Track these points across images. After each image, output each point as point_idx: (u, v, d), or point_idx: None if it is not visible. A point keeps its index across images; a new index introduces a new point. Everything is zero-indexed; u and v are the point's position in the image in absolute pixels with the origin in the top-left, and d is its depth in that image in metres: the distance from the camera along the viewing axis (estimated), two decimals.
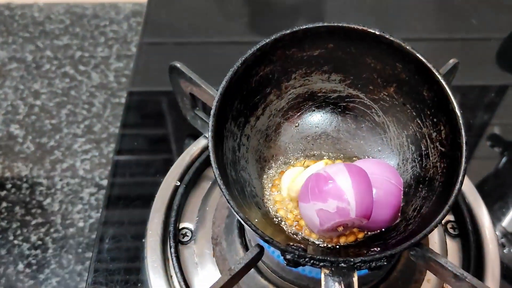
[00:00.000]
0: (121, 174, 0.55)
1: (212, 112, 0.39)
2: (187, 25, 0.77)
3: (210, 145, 0.38)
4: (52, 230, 0.63)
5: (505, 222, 0.58)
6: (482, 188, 0.59)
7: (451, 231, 0.49)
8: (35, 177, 0.67)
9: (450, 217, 0.50)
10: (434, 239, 0.48)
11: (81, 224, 0.64)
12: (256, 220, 0.39)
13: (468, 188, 0.51)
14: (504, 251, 0.54)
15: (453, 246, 0.48)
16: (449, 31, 0.79)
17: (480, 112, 0.70)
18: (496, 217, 0.57)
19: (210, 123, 0.38)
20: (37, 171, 0.68)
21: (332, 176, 0.38)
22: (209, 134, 0.38)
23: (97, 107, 0.75)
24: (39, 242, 0.62)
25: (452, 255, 0.48)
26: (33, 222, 0.63)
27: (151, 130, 0.64)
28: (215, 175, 0.37)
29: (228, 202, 0.36)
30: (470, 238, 0.47)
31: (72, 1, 0.89)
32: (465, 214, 0.49)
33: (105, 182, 0.67)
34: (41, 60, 0.81)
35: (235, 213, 0.36)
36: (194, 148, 0.52)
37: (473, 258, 0.47)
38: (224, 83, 0.40)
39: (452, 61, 0.51)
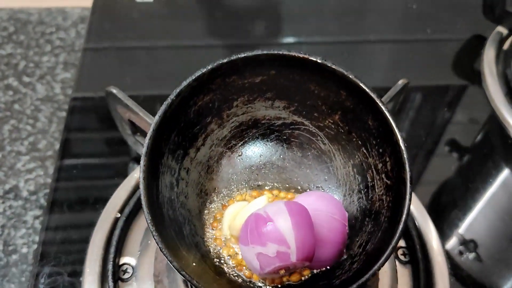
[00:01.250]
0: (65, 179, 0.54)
1: (143, 150, 0.36)
2: (135, 31, 0.74)
3: (141, 187, 0.35)
4: None
5: (462, 229, 0.57)
6: (438, 194, 0.59)
7: (401, 257, 0.48)
8: None
9: (401, 243, 0.49)
10: (385, 267, 0.46)
11: (24, 250, 0.61)
12: (194, 264, 0.37)
13: (418, 210, 0.51)
14: (462, 258, 0.54)
15: (404, 273, 0.47)
16: (407, 34, 0.78)
17: (438, 116, 0.69)
18: (453, 224, 0.57)
19: (142, 162, 0.36)
20: None
21: (271, 217, 0.36)
22: (140, 175, 0.36)
23: (42, 122, 0.71)
24: None
25: (403, 282, 0.47)
26: None
27: (95, 134, 0.62)
28: (146, 221, 0.35)
29: (162, 251, 0.34)
30: (420, 265, 0.46)
31: (16, 6, 0.85)
32: (415, 240, 0.48)
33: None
34: None
35: (169, 262, 0.34)
36: (135, 176, 0.49)
37: (423, 286, 0.46)
38: (157, 118, 0.37)
39: (401, 82, 0.49)
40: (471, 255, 0.55)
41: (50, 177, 0.66)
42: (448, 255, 0.51)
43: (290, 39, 0.79)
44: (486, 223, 0.59)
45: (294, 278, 0.39)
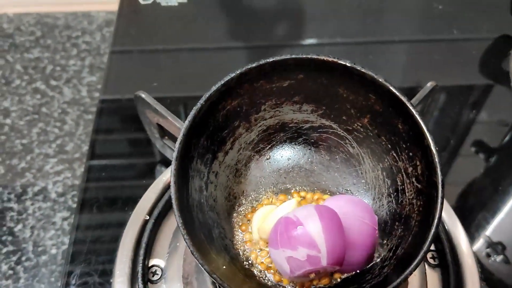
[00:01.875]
0: (94, 180, 0.55)
1: (174, 155, 0.37)
2: (160, 34, 0.75)
3: (172, 191, 0.36)
4: (23, 258, 0.61)
5: (489, 231, 0.56)
6: (465, 196, 0.59)
7: (431, 261, 0.47)
8: (5, 202, 0.65)
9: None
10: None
11: (53, 251, 0.62)
12: (224, 267, 0.37)
13: (447, 213, 0.50)
14: (489, 261, 0.53)
15: (433, 276, 0.47)
16: (432, 34, 0.77)
17: (464, 116, 0.68)
18: (480, 226, 0.56)
19: (173, 166, 0.36)
20: (8, 195, 0.66)
21: (302, 221, 0.36)
22: (171, 179, 0.36)
23: (69, 125, 0.72)
24: (10, 272, 0.60)
25: (432, 286, 0.46)
26: (4, 250, 0.61)
27: (125, 135, 0.63)
28: (178, 224, 0.35)
29: (193, 254, 0.34)
30: (450, 269, 0.46)
31: (43, 11, 0.86)
32: (444, 244, 0.47)
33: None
34: (11, 75, 0.78)
35: (200, 266, 0.34)
36: (163, 178, 0.50)
37: None
38: (187, 123, 0.38)
39: (430, 85, 0.49)
40: (499, 258, 0.54)
41: (78, 179, 0.67)
42: (475, 256, 0.51)
43: (311, 40, 0.78)
44: None
45: (324, 281, 0.39)
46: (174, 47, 0.74)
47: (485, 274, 0.50)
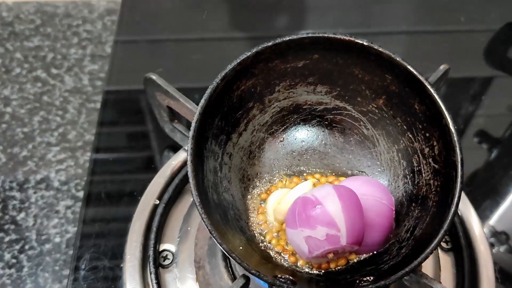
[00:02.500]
0: (100, 173, 0.54)
1: (190, 134, 0.36)
2: (164, 23, 0.74)
3: (189, 170, 0.35)
4: (27, 247, 0.60)
5: (493, 221, 0.56)
6: (469, 187, 0.58)
7: (443, 245, 0.47)
8: (7, 190, 0.64)
9: None
10: None
11: (57, 239, 0.61)
12: (241, 248, 0.36)
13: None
14: (494, 250, 0.53)
15: (446, 261, 0.47)
16: (436, 25, 0.77)
17: (467, 107, 0.68)
18: (484, 216, 0.56)
19: (189, 146, 0.36)
20: (9, 183, 0.65)
21: (320, 201, 0.35)
22: (188, 158, 0.35)
23: (71, 113, 0.71)
24: (14, 261, 0.59)
25: (446, 270, 0.46)
26: (7, 239, 0.60)
27: (129, 127, 0.62)
28: (195, 204, 0.34)
29: (211, 233, 0.34)
30: (463, 252, 0.46)
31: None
32: (457, 227, 0.47)
33: (81, 194, 0.64)
34: (10, 63, 0.77)
35: (218, 245, 0.34)
36: (173, 163, 0.49)
37: (468, 273, 0.45)
38: (203, 101, 0.37)
39: (442, 67, 0.48)
40: (503, 247, 0.54)
41: (81, 168, 0.67)
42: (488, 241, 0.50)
43: (313, 31, 0.78)
44: None
45: (341, 262, 0.38)
46: (178, 37, 0.74)
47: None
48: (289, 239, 0.37)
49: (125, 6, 0.73)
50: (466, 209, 0.49)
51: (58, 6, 0.85)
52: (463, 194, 0.51)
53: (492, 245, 0.54)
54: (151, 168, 0.55)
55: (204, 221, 0.34)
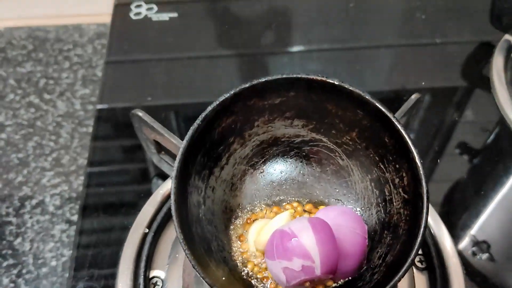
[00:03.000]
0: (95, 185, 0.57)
1: (173, 174, 0.38)
2: (153, 46, 0.77)
3: (172, 208, 0.38)
4: (24, 271, 0.62)
5: (473, 230, 0.59)
6: (450, 197, 0.61)
7: (418, 264, 0.50)
8: (4, 216, 0.66)
9: None
10: None
11: (53, 263, 0.63)
12: (224, 278, 0.39)
13: (432, 218, 0.52)
14: (475, 259, 0.55)
15: (421, 279, 0.49)
16: (416, 41, 0.80)
17: (448, 118, 0.71)
18: (465, 226, 0.59)
19: (172, 185, 0.38)
20: (6, 209, 0.67)
21: (296, 234, 0.38)
22: (171, 197, 0.38)
23: (64, 138, 0.74)
24: (12, 285, 0.61)
25: None
26: (4, 264, 0.62)
27: (122, 142, 0.65)
28: (179, 240, 0.37)
29: (194, 268, 0.36)
30: (436, 271, 0.48)
31: (34, 24, 0.87)
32: (431, 248, 0.49)
33: (75, 218, 0.66)
34: (4, 89, 0.79)
35: (202, 278, 0.36)
36: (161, 192, 0.52)
37: None
38: (185, 142, 0.39)
39: (414, 97, 0.51)
40: (484, 256, 0.56)
41: (75, 191, 0.69)
42: (461, 255, 0.53)
43: (299, 47, 0.81)
44: (498, 224, 0.61)
45: None
46: (166, 56, 0.76)
47: (471, 272, 0.53)
48: (269, 269, 0.40)
49: (114, 30, 0.76)
50: (438, 229, 0.52)
51: (49, 30, 0.87)
52: (436, 216, 0.54)
53: (474, 254, 0.56)
54: (145, 180, 0.58)
55: (188, 257, 0.36)
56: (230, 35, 0.80)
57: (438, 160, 0.66)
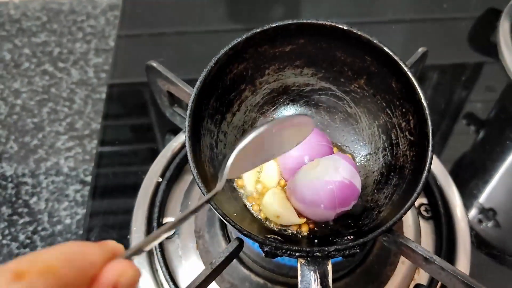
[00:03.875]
0: (105, 165, 0.58)
1: (188, 112, 0.40)
2: (164, 17, 0.78)
3: (187, 144, 0.39)
4: (39, 228, 0.64)
5: (481, 199, 0.60)
6: (457, 167, 0.62)
7: (424, 213, 0.51)
8: (20, 177, 0.68)
9: (423, 200, 0.52)
10: (408, 222, 0.50)
11: (68, 221, 0.65)
12: (235, 214, 0.40)
13: (439, 171, 0.53)
14: (481, 226, 0.56)
15: (426, 228, 0.51)
16: (423, 13, 0.80)
17: (455, 91, 0.71)
18: (472, 194, 0.60)
19: (186, 123, 0.40)
20: (22, 170, 0.69)
21: (353, 182, 0.41)
22: (185, 134, 0.39)
23: (78, 104, 0.75)
24: (28, 241, 0.63)
25: (426, 237, 0.50)
26: (21, 221, 0.64)
27: (133, 120, 0.66)
28: (193, 174, 0.38)
29: (208, 202, 0.38)
30: (442, 219, 0.49)
31: None
32: (437, 197, 0.51)
33: (89, 179, 0.68)
34: (19, 58, 0.81)
35: (214, 210, 0.38)
36: (174, 144, 0.53)
37: (445, 238, 0.49)
38: (198, 83, 0.41)
39: (421, 50, 0.52)
40: (490, 223, 0.57)
41: (88, 154, 0.71)
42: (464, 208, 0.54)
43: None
44: (504, 192, 0.61)
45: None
46: (177, 29, 0.77)
47: (477, 238, 0.54)
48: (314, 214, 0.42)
49: (127, 1, 0.77)
50: (446, 182, 0.53)
51: (63, 3, 0.88)
52: (444, 169, 0.55)
53: (480, 221, 0.57)
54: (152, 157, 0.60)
55: (201, 190, 0.38)
56: (239, 9, 0.81)
57: (447, 132, 0.67)
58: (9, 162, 0.69)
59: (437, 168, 0.54)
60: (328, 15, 0.81)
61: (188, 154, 0.39)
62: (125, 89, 0.69)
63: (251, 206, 0.43)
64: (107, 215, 0.52)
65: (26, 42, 0.83)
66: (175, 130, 0.56)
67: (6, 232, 0.63)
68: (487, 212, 0.59)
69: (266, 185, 0.44)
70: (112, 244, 0.25)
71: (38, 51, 0.82)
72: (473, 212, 0.58)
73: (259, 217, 0.43)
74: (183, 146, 0.53)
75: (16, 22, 0.85)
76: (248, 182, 0.45)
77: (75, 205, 0.66)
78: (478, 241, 0.54)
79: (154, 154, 0.58)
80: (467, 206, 0.58)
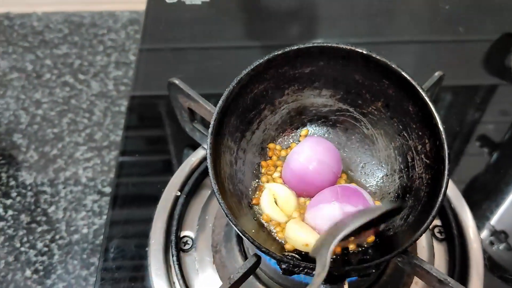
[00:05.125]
0: (125, 175, 0.59)
1: (210, 130, 0.41)
2: (185, 32, 0.80)
3: (208, 161, 0.40)
4: (57, 236, 0.65)
5: (493, 221, 0.60)
6: (470, 188, 0.62)
7: (438, 235, 0.52)
8: (39, 185, 0.70)
9: (437, 222, 0.53)
10: (422, 243, 0.51)
11: (85, 230, 0.66)
12: (253, 230, 0.41)
13: (453, 193, 0.54)
14: (493, 248, 0.57)
15: (440, 249, 0.51)
16: (438, 35, 0.81)
17: (469, 113, 0.72)
18: (484, 216, 0.60)
19: (208, 140, 0.41)
20: (41, 179, 0.70)
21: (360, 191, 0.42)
22: (207, 152, 0.40)
23: (97, 116, 0.77)
24: (45, 249, 0.64)
25: (439, 258, 0.50)
26: (39, 229, 0.66)
27: (152, 132, 0.67)
28: (213, 191, 0.39)
29: (227, 216, 0.39)
30: (455, 241, 0.50)
31: (70, 10, 0.91)
32: (450, 219, 0.51)
33: (107, 189, 0.69)
34: (41, 69, 0.83)
35: (233, 226, 0.39)
36: (193, 159, 0.54)
37: (458, 260, 0.50)
38: (220, 102, 0.42)
39: (437, 74, 0.53)
40: (502, 245, 0.57)
41: (107, 166, 0.72)
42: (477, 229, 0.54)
43: (324, 40, 0.83)
44: None
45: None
46: (197, 45, 0.79)
47: (489, 261, 0.54)
48: (314, 214, 0.43)
49: (149, 17, 0.79)
50: (460, 203, 0.53)
51: (85, 16, 0.91)
52: (457, 191, 0.55)
53: (492, 244, 0.57)
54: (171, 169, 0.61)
55: (221, 206, 0.39)
56: (259, 27, 0.83)
57: (461, 154, 0.67)
58: (29, 171, 0.71)
59: (451, 190, 0.54)
60: (343, 35, 0.83)
61: (210, 171, 0.40)
62: (145, 102, 0.71)
63: (267, 224, 0.44)
64: (126, 225, 0.53)
65: (48, 53, 0.85)
66: (193, 146, 0.57)
67: (25, 239, 0.65)
68: (499, 235, 0.59)
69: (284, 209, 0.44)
70: None
71: (59, 62, 0.84)
72: (485, 234, 0.58)
73: (276, 235, 0.44)
74: (201, 161, 0.54)
75: (38, 34, 0.88)
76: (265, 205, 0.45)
77: (93, 215, 0.68)
78: (490, 264, 0.54)
79: (172, 167, 0.59)
80: (479, 228, 0.58)
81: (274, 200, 0.45)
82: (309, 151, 0.44)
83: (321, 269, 0.32)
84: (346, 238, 0.33)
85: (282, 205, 0.44)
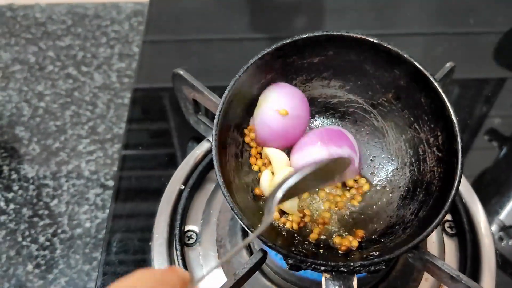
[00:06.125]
0: (128, 168, 0.58)
1: (215, 121, 0.40)
2: (189, 24, 0.78)
3: (214, 154, 0.39)
4: (59, 231, 0.64)
5: (502, 216, 0.59)
6: (479, 182, 0.61)
7: (448, 230, 0.50)
8: (41, 179, 0.69)
9: (447, 217, 0.52)
10: (432, 238, 0.49)
11: (87, 224, 0.65)
12: (259, 225, 0.40)
13: (464, 188, 0.53)
14: (502, 244, 0.55)
15: (450, 245, 0.50)
16: (447, 27, 0.80)
17: (478, 106, 0.71)
18: (493, 211, 0.59)
19: (214, 132, 0.40)
20: (43, 172, 0.69)
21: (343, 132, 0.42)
22: (212, 144, 0.39)
23: (100, 108, 0.76)
24: (47, 243, 0.63)
25: (450, 254, 0.49)
26: (41, 223, 0.65)
27: (156, 125, 0.66)
28: (219, 183, 0.38)
29: (232, 210, 0.38)
30: (466, 236, 0.49)
31: (73, 1, 0.90)
32: (461, 214, 0.50)
33: (110, 183, 0.68)
34: (44, 61, 0.82)
35: (238, 220, 0.37)
36: (197, 152, 0.53)
37: (470, 256, 0.48)
38: (226, 92, 0.41)
39: (448, 65, 0.52)
40: (511, 241, 0.56)
41: (110, 158, 0.71)
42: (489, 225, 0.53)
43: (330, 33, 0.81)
44: None
45: (354, 243, 0.41)
46: (202, 37, 0.78)
47: (498, 256, 0.53)
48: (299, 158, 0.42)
49: (153, 8, 0.78)
50: (471, 198, 0.52)
51: (88, 7, 0.89)
52: (469, 186, 0.54)
53: (501, 239, 0.56)
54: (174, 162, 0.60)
55: (226, 199, 0.38)
56: (263, 18, 0.82)
57: (470, 147, 0.66)
58: (31, 164, 0.70)
59: (462, 184, 0.53)
60: (351, 26, 0.81)
61: (215, 163, 0.39)
62: (149, 94, 0.69)
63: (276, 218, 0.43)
64: (129, 219, 0.52)
65: (50, 45, 0.84)
66: (198, 138, 0.56)
67: (27, 233, 0.64)
68: (508, 230, 0.58)
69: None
70: (181, 271, 0.27)
71: (62, 54, 0.83)
72: (494, 229, 0.57)
73: (282, 230, 0.42)
74: (206, 154, 0.53)
75: (41, 25, 0.87)
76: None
77: (95, 208, 0.67)
78: (500, 260, 0.53)
79: (176, 160, 0.58)
80: (489, 223, 0.57)
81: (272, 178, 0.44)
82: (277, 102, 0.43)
83: (267, 215, 0.33)
84: (297, 190, 0.35)
85: (276, 166, 0.43)
